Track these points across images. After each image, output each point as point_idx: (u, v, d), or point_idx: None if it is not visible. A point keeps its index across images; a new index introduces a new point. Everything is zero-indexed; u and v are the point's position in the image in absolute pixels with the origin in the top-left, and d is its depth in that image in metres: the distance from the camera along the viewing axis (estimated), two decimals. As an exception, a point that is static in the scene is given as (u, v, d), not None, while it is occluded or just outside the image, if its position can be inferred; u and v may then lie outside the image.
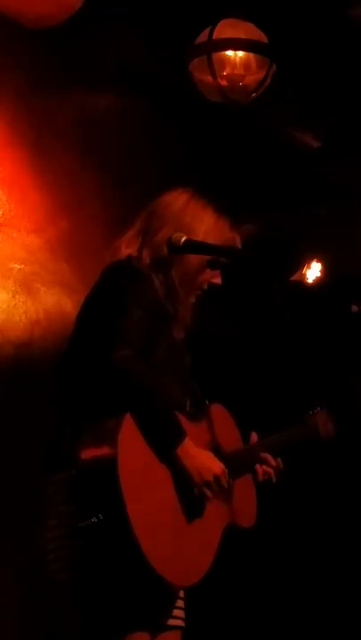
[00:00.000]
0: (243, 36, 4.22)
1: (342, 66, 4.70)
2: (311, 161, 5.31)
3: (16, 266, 4.11)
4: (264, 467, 2.88)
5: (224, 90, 4.30)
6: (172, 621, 2.66)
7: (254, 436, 2.93)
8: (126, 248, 2.77)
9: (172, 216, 2.76)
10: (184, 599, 2.71)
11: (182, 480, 2.56)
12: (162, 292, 2.71)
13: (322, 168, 5.34)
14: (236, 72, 4.26)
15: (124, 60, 4.52)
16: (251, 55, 4.25)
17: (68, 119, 4.38)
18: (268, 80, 4.31)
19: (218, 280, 2.80)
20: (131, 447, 2.46)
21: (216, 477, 2.60)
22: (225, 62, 4.26)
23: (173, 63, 4.41)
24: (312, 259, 5.56)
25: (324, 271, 5.54)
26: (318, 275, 5.55)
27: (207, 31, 4.24)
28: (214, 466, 2.61)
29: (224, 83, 4.28)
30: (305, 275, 5.55)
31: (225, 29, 4.22)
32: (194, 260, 2.74)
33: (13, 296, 4.09)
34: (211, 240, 2.74)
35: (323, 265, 5.55)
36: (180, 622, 2.69)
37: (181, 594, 2.69)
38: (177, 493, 2.56)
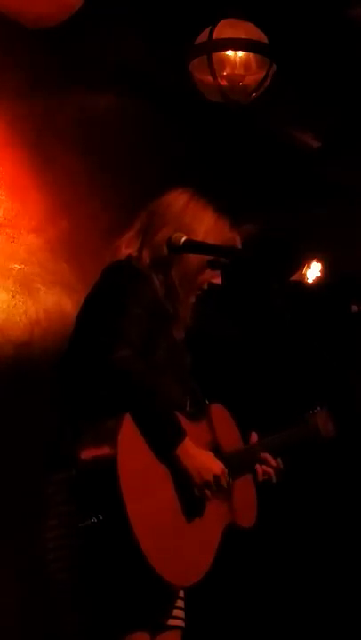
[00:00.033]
0: (243, 36, 4.22)
1: (342, 66, 4.70)
2: (311, 161, 5.31)
3: (16, 266, 4.11)
4: (264, 467, 2.88)
5: (224, 90, 4.30)
6: (172, 621, 2.66)
7: (254, 436, 2.93)
8: (126, 248, 2.77)
9: (172, 216, 2.76)
10: (184, 599, 2.70)
11: (182, 480, 2.56)
12: (162, 292, 2.71)
13: (322, 168, 5.34)
14: (236, 72, 4.26)
15: (124, 60, 4.52)
16: (251, 55, 4.25)
17: (68, 119, 4.38)
18: (268, 80, 4.31)
19: (218, 280, 2.80)
20: (131, 447, 2.46)
21: (216, 477, 2.60)
22: (225, 62, 4.26)
23: (173, 63, 4.40)
24: (312, 259, 5.55)
25: (324, 271, 5.54)
26: (318, 275, 5.54)
27: (207, 31, 4.24)
28: (214, 466, 2.61)
29: (224, 83, 4.28)
30: (305, 275, 5.54)
31: (225, 29, 4.22)
32: (194, 260, 2.74)
33: (13, 296, 4.09)
34: (211, 240, 2.74)
35: (323, 265, 5.54)
36: (180, 622, 2.69)
37: (181, 594, 2.69)
38: (177, 493, 2.56)
